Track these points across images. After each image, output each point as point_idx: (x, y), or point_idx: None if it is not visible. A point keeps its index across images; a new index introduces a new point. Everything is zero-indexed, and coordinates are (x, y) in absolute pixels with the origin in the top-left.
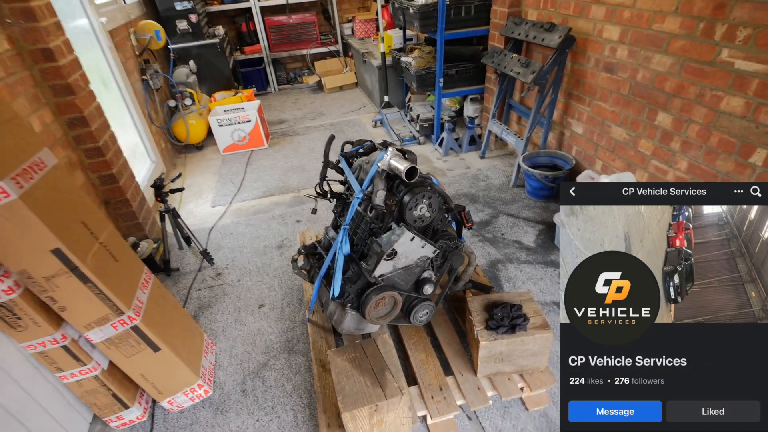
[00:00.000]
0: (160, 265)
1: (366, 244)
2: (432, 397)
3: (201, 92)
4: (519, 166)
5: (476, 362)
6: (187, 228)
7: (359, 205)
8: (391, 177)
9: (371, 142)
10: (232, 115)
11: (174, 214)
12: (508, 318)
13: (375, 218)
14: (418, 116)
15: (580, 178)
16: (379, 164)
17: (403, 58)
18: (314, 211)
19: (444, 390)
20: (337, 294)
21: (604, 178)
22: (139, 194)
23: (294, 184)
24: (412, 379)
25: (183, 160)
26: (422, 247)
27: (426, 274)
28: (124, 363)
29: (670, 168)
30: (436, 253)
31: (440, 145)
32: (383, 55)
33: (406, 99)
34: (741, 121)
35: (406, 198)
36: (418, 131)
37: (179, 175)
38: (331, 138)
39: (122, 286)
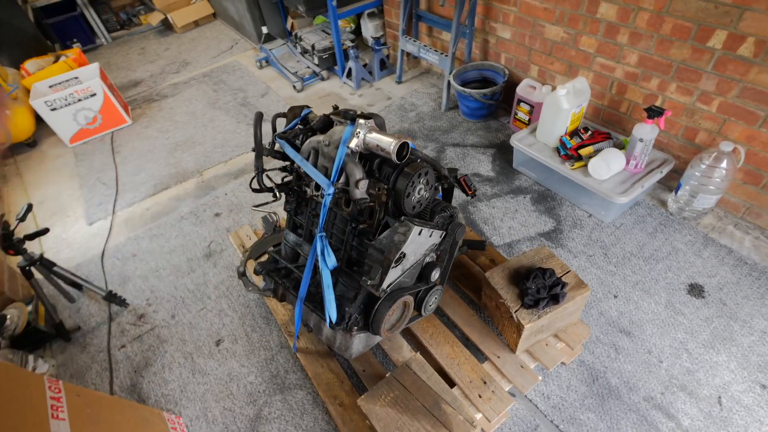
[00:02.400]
0: (51, 332)
1: (352, 247)
2: (480, 396)
3: (1, 66)
4: (449, 87)
5: (514, 342)
6: (71, 273)
7: (331, 201)
8: (365, 156)
9: (311, 109)
10: (66, 91)
11: (45, 264)
12: (545, 289)
13: (358, 215)
14: (313, 46)
15: (520, 90)
16: (350, 146)
17: None
18: (276, 228)
19: (488, 383)
20: (335, 320)
21: (560, 91)
22: None
23: (190, 165)
24: (445, 378)
25: (13, 167)
26: (430, 236)
27: (428, 259)
28: None
29: (618, 64)
30: (443, 235)
31: (348, 76)
32: None
33: (288, 26)
34: (697, 2)
35: (400, 183)
36: (317, 65)
37: (28, 208)
38: (259, 117)
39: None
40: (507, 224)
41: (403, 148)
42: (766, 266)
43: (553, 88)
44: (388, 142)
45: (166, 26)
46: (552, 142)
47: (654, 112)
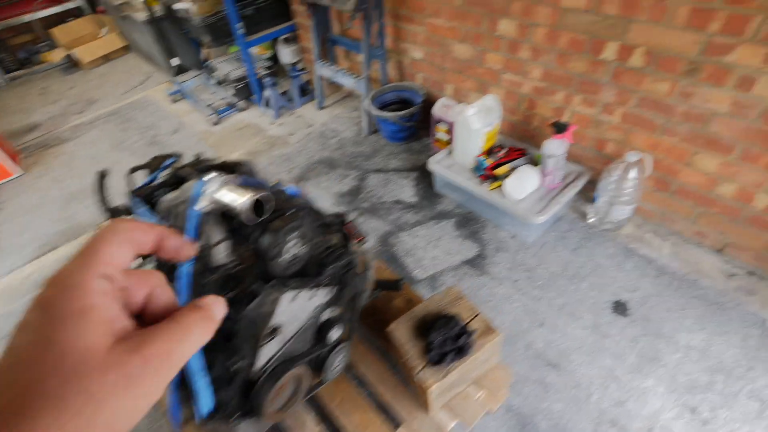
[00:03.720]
0: None
1: (227, 318)
2: None
3: None
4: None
5: (426, 403)
6: None
7: (192, 268)
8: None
9: (177, 158)
10: None
11: None
12: (451, 341)
13: (224, 282)
14: (226, 76)
15: (436, 110)
16: (197, 208)
17: (177, 5)
18: None
19: None
20: (208, 410)
21: (469, 111)
22: None
23: (85, 219)
24: None
25: None
26: (310, 299)
27: (326, 316)
28: None
29: (525, 79)
30: (335, 290)
31: (267, 105)
32: (146, 3)
33: (202, 57)
34: (586, 15)
35: (265, 242)
36: (234, 95)
37: None
38: (102, 175)
39: None
40: (430, 254)
41: (259, 205)
42: (684, 274)
43: None
44: (241, 200)
45: (72, 62)
46: (469, 163)
47: (559, 127)
